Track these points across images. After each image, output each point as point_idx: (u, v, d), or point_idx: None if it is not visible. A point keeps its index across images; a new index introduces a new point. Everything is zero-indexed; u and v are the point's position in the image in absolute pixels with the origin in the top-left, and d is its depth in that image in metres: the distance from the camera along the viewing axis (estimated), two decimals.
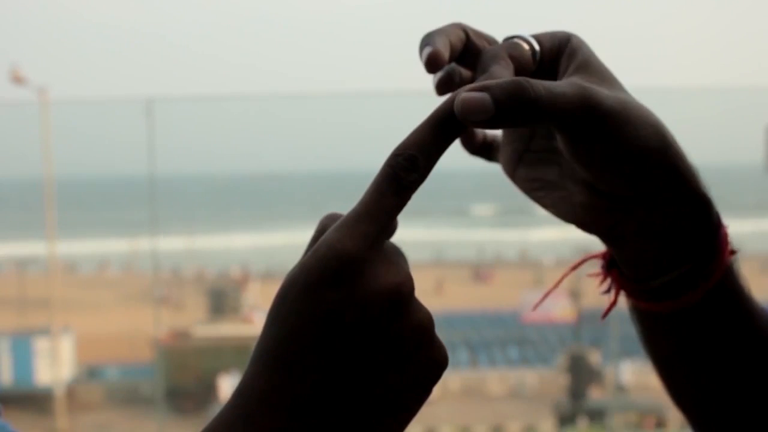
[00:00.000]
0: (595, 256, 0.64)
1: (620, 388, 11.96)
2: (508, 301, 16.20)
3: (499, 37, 0.58)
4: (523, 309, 15.35)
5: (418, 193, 0.49)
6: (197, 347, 12.74)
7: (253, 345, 0.49)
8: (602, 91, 0.53)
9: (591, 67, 0.55)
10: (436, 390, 0.50)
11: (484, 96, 0.48)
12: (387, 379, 0.47)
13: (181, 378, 12.11)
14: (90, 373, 13.70)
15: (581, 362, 12.20)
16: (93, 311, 16.92)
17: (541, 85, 0.49)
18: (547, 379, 13.28)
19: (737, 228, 0.60)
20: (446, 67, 0.58)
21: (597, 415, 11.20)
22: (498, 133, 0.66)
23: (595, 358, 12.41)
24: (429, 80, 0.59)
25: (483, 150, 0.66)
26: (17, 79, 11.39)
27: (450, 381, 13.04)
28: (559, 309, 13.97)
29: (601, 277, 0.62)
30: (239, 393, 0.48)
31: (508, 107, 0.48)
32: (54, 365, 11.68)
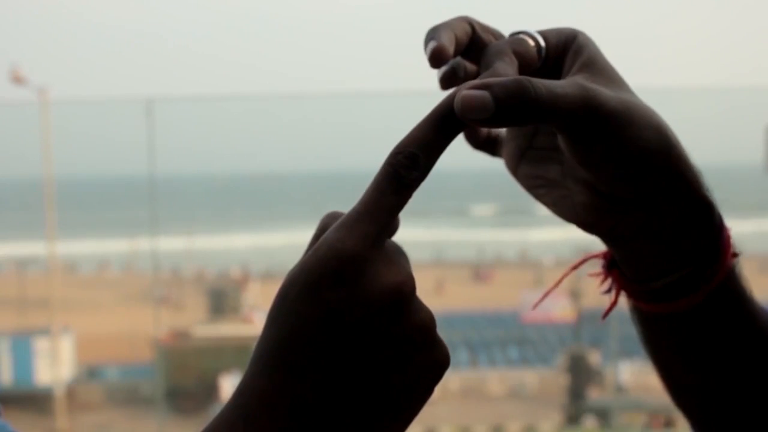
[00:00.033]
0: (595, 256, 0.63)
1: (620, 389, 11.97)
2: (508, 301, 16.20)
3: (505, 34, 0.58)
4: (523, 309, 15.34)
5: (418, 193, 0.48)
6: (197, 347, 12.74)
7: (253, 345, 0.49)
8: (605, 92, 0.52)
9: (596, 65, 0.55)
10: (436, 390, 0.50)
11: (484, 94, 0.48)
12: (388, 379, 0.47)
13: (181, 378, 12.11)
14: (90, 373, 13.70)
15: (581, 362, 12.20)
16: (93, 311, 16.92)
17: (543, 84, 0.49)
18: (547, 379, 13.28)
19: (737, 228, 0.60)
20: (451, 62, 0.57)
21: (604, 415, 11.20)
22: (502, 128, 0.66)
23: (595, 358, 12.41)
24: (429, 80, 0.58)
25: (487, 145, 0.65)
26: (17, 79, 11.40)
27: (450, 381, 13.04)
28: (559, 309, 13.97)
29: (601, 277, 0.62)
30: (240, 393, 0.48)
31: (509, 106, 0.48)
32: (54, 365, 11.68)
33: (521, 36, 0.55)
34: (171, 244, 15.08)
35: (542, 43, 0.56)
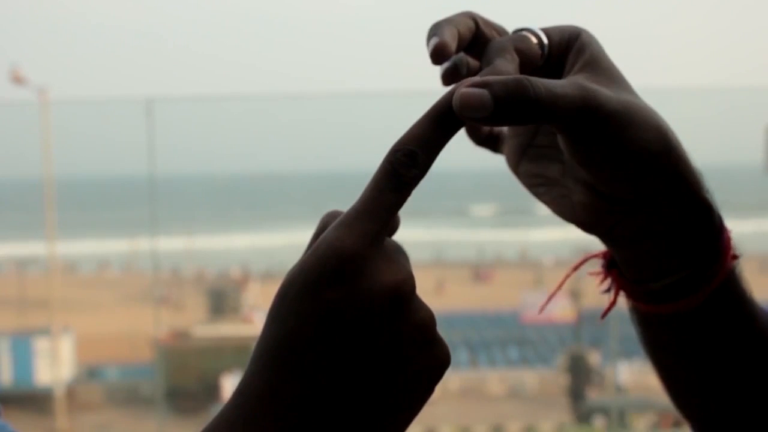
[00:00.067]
0: (595, 256, 0.63)
1: (619, 389, 11.95)
2: (508, 301, 16.19)
3: (508, 30, 0.57)
4: (523, 309, 15.33)
5: (417, 193, 0.48)
6: (197, 347, 12.73)
7: (254, 345, 0.48)
8: (605, 93, 0.52)
9: (598, 65, 0.54)
10: (436, 390, 0.49)
11: (483, 92, 0.47)
12: (388, 378, 0.47)
13: (181, 378, 12.10)
14: (90, 373, 13.69)
15: (581, 362, 12.20)
16: (93, 311, 16.91)
17: (542, 84, 0.49)
18: (547, 379, 13.27)
19: (737, 228, 0.60)
20: (453, 58, 0.56)
21: (610, 414, 11.18)
22: None
23: (594, 358, 12.41)
24: (429, 80, 0.58)
25: (488, 141, 0.65)
26: (17, 79, 11.40)
27: (450, 381, 13.02)
28: (559, 309, 13.95)
29: (601, 276, 0.62)
30: (239, 392, 0.48)
31: (508, 105, 0.48)
32: (54, 365, 11.67)
33: (524, 33, 0.55)
34: (171, 244, 15.06)
35: (545, 40, 0.55)
